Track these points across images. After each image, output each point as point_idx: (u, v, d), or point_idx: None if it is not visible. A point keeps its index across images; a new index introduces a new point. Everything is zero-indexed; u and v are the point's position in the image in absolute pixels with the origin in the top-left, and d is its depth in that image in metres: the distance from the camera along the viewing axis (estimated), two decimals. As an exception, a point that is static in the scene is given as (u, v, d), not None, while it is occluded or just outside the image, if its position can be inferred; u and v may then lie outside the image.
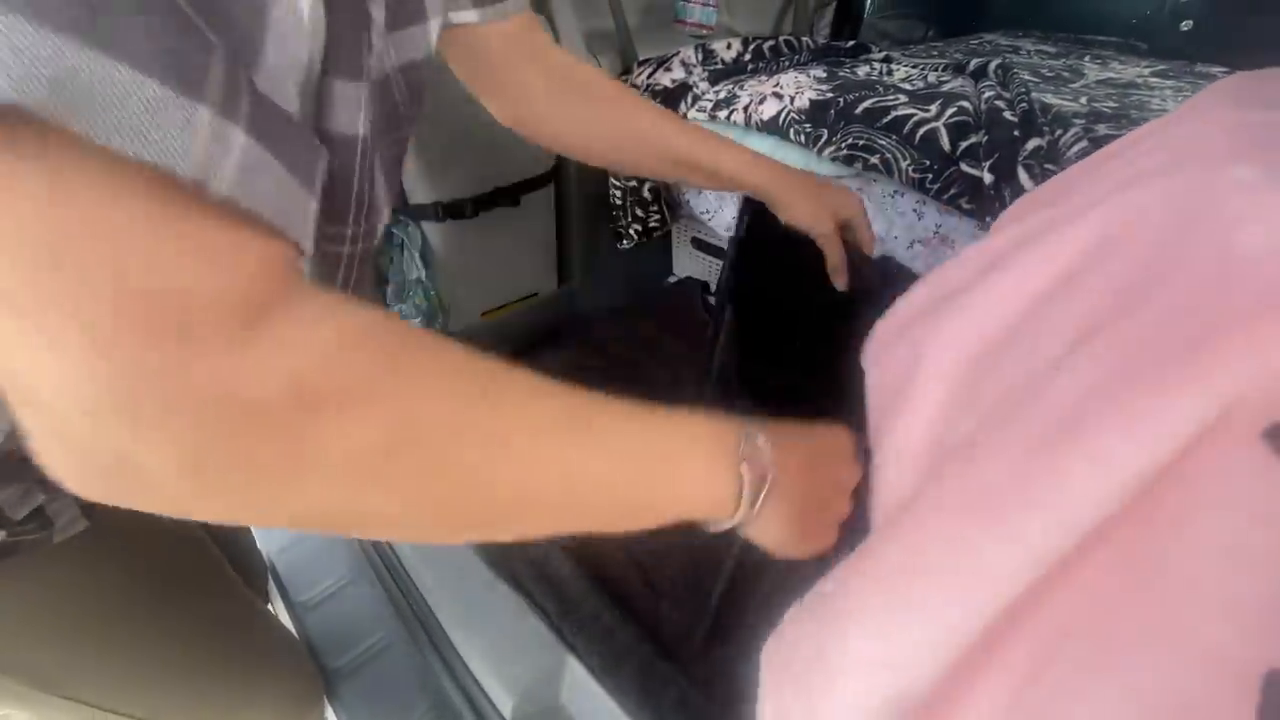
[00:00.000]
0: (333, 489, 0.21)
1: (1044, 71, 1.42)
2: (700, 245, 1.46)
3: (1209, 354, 0.19)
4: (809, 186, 0.59)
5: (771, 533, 0.34)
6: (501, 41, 0.53)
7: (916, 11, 2.05)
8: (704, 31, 1.48)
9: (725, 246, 1.22)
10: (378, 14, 0.31)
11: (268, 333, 0.19)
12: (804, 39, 1.16)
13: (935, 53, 1.63)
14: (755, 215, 0.67)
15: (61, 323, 0.17)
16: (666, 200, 1.25)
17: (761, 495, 0.31)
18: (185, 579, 0.51)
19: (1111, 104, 1.10)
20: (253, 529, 0.85)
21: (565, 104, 0.57)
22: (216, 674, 0.54)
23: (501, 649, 0.77)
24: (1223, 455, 0.19)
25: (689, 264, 1.54)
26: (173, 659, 0.50)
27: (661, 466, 0.29)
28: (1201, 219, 0.23)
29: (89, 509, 0.40)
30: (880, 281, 0.55)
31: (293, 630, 0.79)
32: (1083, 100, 1.11)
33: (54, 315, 0.17)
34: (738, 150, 0.59)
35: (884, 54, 1.16)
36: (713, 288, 1.52)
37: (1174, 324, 0.20)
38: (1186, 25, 1.68)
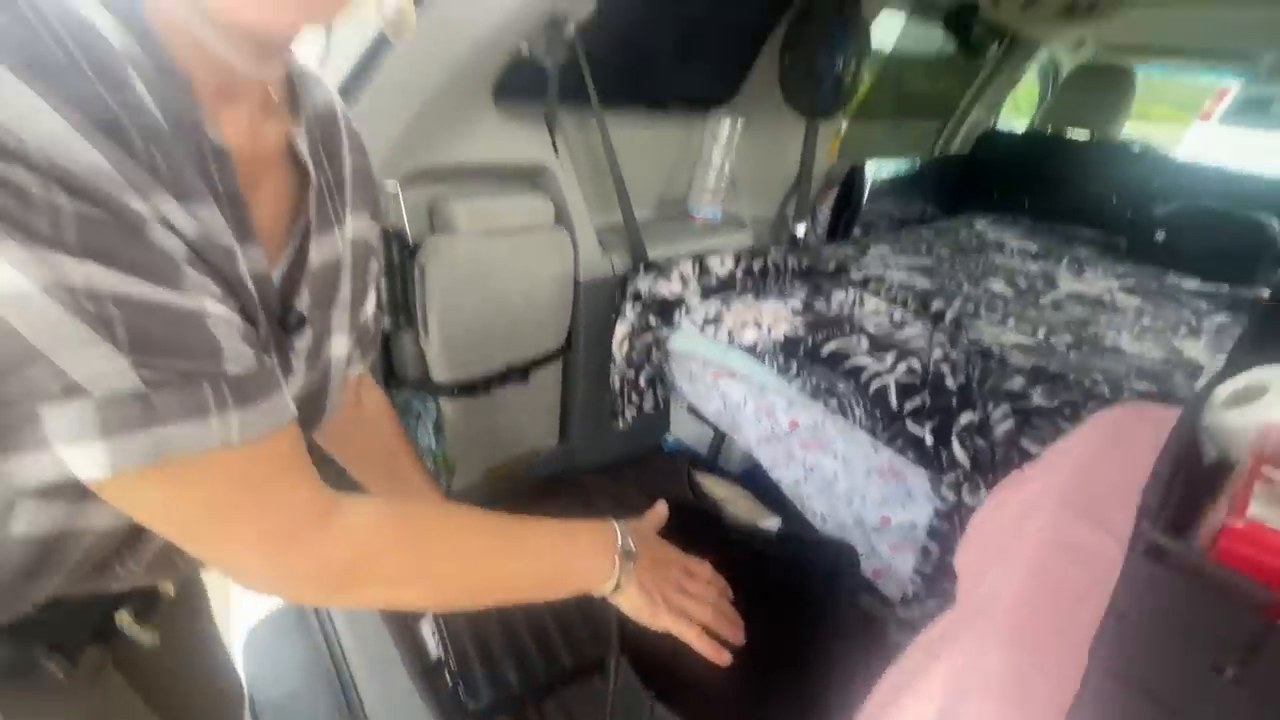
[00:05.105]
0: (379, 603, 0.46)
1: (1019, 281, 1.56)
2: (696, 412, 1.56)
3: None
4: None
5: (631, 600, 0.54)
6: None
7: (916, 194, 2.25)
8: (711, 223, 1.68)
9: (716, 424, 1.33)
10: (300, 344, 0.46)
11: (329, 531, 0.40)
12: (789, 259, 1.31)
13: (924, 248, 1.78)
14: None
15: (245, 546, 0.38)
16: (659, 384, 1.37)
17: (629, 572, 0.54)
18: None
19: (1068, 337, 1.22)
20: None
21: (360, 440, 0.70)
22: None
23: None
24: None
25: (685, 425, 1.65)
26: None
27: (567, 562, 0.53)
28: None
29: None
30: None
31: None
32: (1040, 333, 1.22)
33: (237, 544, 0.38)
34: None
35: (863, 276, 1.30)
36: (704, 453, 1.62)
37: None
38: (1160, 235, 1.82)
